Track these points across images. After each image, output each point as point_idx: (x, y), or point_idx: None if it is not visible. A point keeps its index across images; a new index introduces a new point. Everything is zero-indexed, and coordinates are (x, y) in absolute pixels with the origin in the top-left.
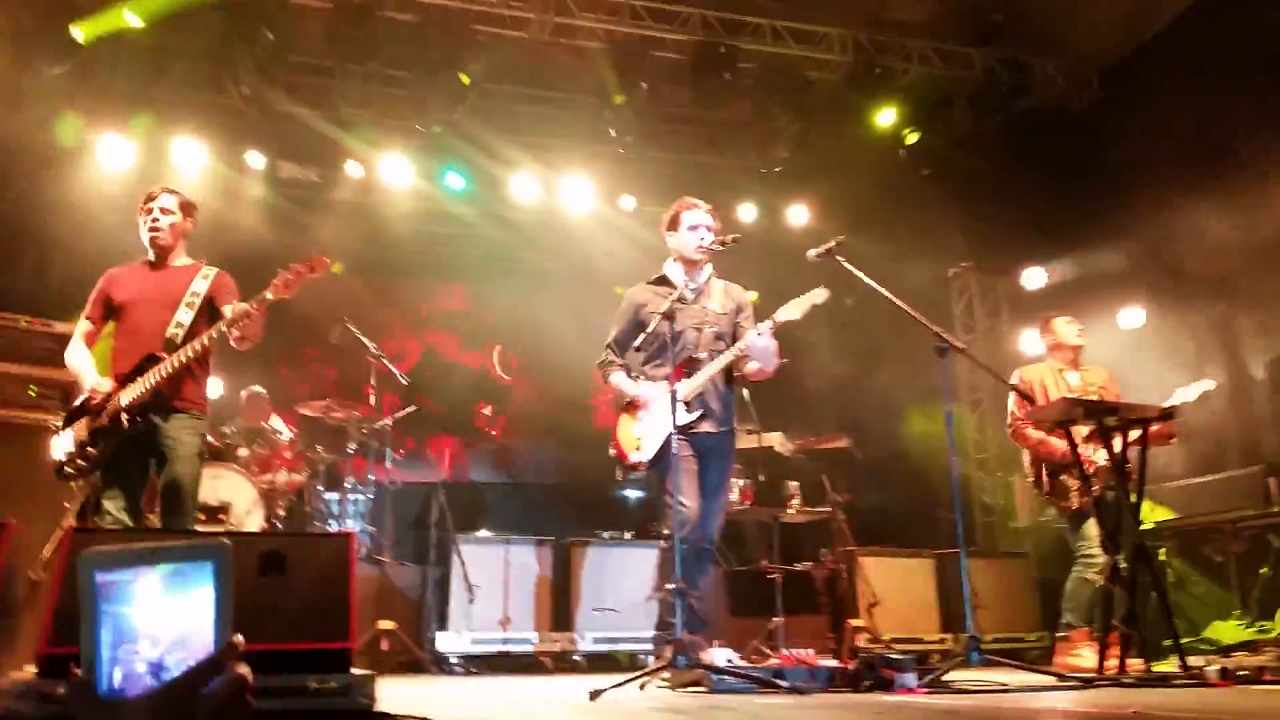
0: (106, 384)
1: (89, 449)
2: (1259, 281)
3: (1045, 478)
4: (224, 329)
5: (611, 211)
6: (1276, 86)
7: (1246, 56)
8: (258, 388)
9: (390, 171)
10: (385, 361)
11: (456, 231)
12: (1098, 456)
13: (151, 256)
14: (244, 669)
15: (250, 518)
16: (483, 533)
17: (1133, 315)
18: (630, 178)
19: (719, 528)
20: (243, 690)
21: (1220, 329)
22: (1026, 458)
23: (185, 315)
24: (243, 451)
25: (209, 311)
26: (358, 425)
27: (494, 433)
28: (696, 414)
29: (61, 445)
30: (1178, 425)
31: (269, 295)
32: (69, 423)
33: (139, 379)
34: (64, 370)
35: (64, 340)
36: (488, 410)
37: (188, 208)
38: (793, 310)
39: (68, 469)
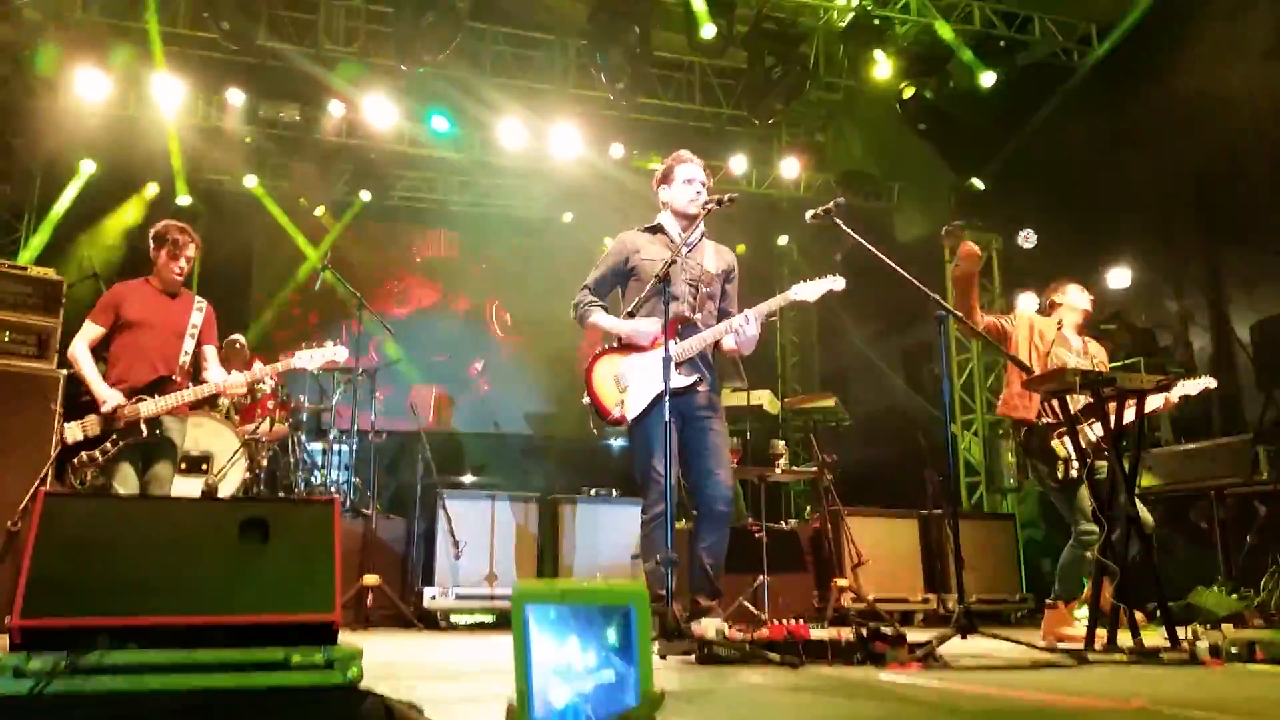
0: (117, 396)
1: (102, 445)
2: (1248, 245)
3: (1030, 435)
4: (220, 389)
5: (600, 159)
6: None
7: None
8: (238, 336)
9: (374, 112)
10: (368, 309)
11: (440, 176)
12: (1091, 432)
13: (162, 286)
14: None
15: (233, 468)
16: (468, 486)
17: (1120, 275)
18: (620, 124)
19: (732, 487)
20: None
21: (1206, 290)
22: (1007, 408)
23: (189, 345)
24: (224, 401)
25: (200, 338)
26: (341, 374)
27: (482, 385)
28: (695, 377)
29: (71, 434)
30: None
31: (295, 365)
32: (76, 417)
33: (155, 396)
34: (40, 316)
35: (39, 284)
36: (477, 362)
37: (198, 248)
38: (806, 292)
39: (83, 454)
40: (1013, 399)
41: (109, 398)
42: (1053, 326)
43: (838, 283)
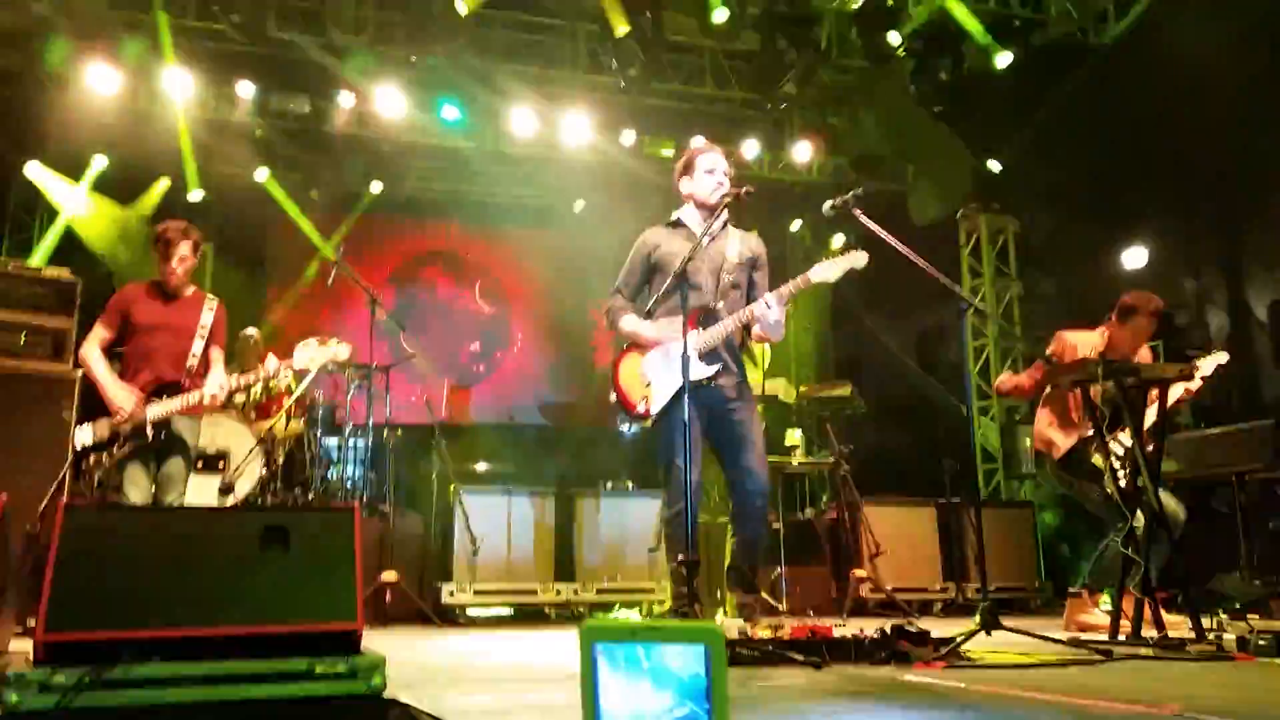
0: (129, 397)
1: (113, 447)
2: (1265, 222)
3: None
4: (227, 390)
5: (611, 146)
6: None
7: None
8: (251, 330)
9: (384, 102)
10: (382, 308)
11: (452, 165)
12: (1117, 444)
13: (170, 289)
14: None
15: (249, 466)
16: (484, 482)
17: (1136, 255)
18: (631, 110)
19: (767, 478)
20: None
21: (1224, 269)
22: (1041, 441)
23: (198, 346)
24: (240, 398)
25: (209, 339)
26: (356, 369)
27: (495, 376)
28: (716, 367)
29: (82, 437)
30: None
31: (295, 365)
32: (86, 418)
33: (163, 399)
34: (54, 317)
35: (53, 285)
36: (492, 353)
37: (198, 245)
38: (827, 271)
39: (91, 457)
40: (1044, 432)
41: (122, 400)
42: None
43: (859, 259)
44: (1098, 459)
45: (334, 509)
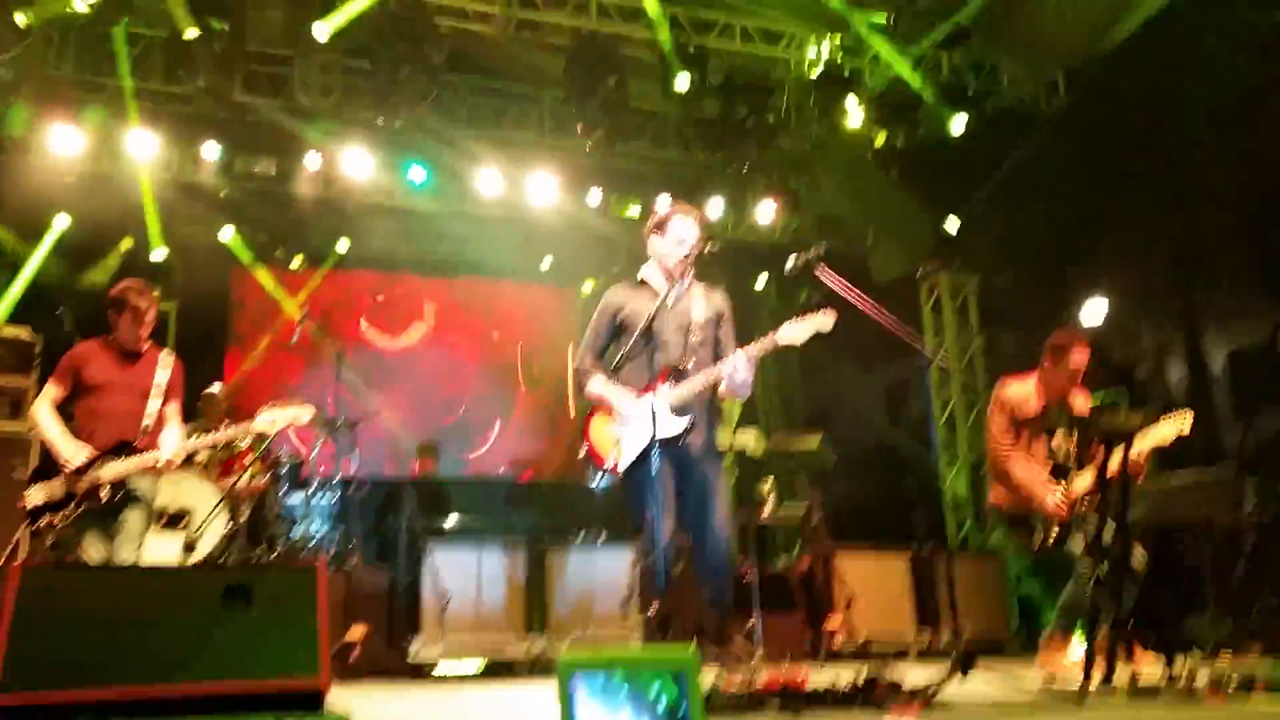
0: (81, 453)
1: (66, 508)
2: (1218, 277)
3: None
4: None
5: (577, 207)
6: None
7: (1211, 62)
8: (215, 388)
9: (351, 164)
10: (348, 363)
11: (418, 225)
12: (1076, 486)
13: (123, 346)
14: None
15: (212, 523)
16: (454, 534)
17: (1095, 309)
18: (597, 172)
19: (730, 538)
20: None
21: (1181, 323)
22: (995, 496)
23: (154, 405)
24: (202, 456)
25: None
26: (321, 425)
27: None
28: (687, 422)
29: (33, 498)
30: (1145, 463)
31: (254, 429)
32: (39, 478)
33: (118, 459)
34: (12, 376)
35: (11, 344)
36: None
37: (155, 304)
38: (794, 334)
39: (45, 517)
40: (992, 489)
41: (73, 455)
42: (1036, 399)
43: (826, 322)
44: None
45: (297, 566)
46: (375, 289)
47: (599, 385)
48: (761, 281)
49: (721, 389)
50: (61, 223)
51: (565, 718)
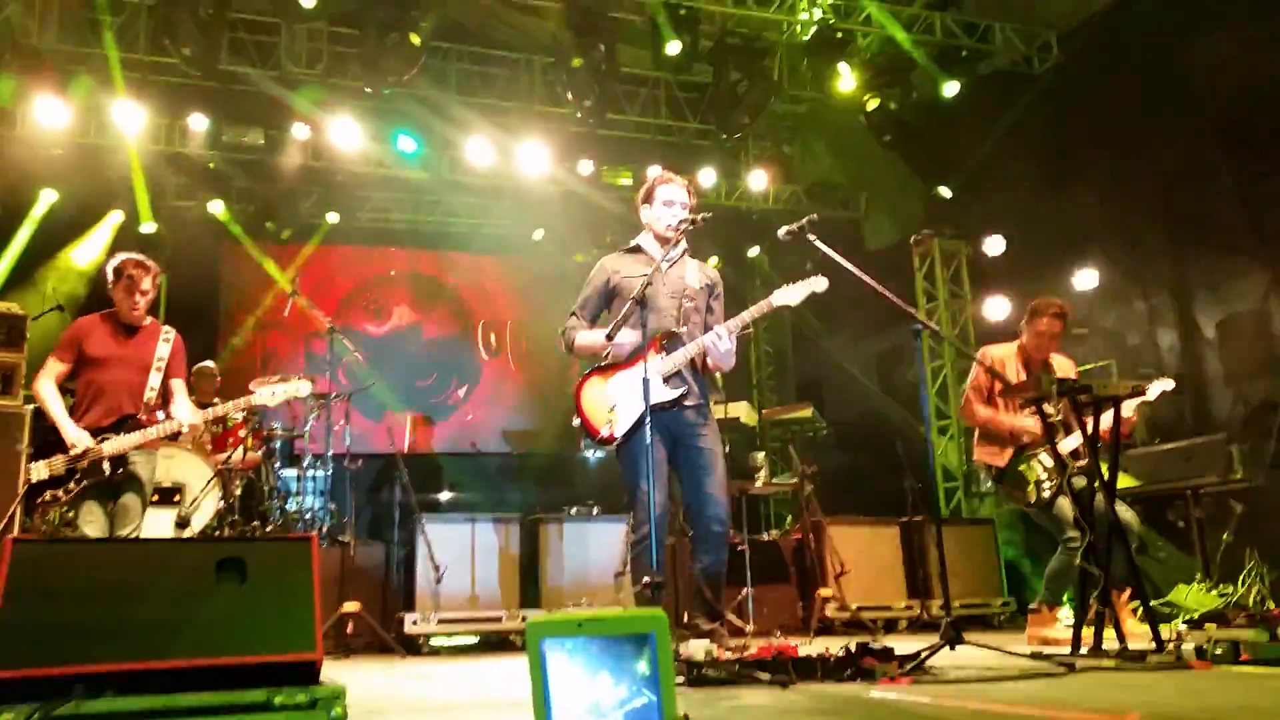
0: (86, 437)
1: (67, 485)
2: (1209, 244)
3: (995, 470)
4: (201, 423)
5: (569, 176)
6: (1231, 51)
7: (1202, 23)
8: (208, 363)
9: (339, 134)
10: (340, 336)
11: (409, 196)
12: (1064, 445)
13: (124, 319)
14: None
15: (206, 498)
16: (447, 510)
17: (1087, 277)
18: (588, 141)
19: (727, 505)
20: None
21: (1173, 290)
22: (976, 454)
23: (155, 379)
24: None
25: (167, 371)
26: (315, 399)
27: (458, 405)
28: (681, 390)
29: (37, 473)
30: (1134, 423)
31: (254, 402)
32: (42, 455)
33: (120, 434)
34: (3, 351)
35: (4, 319)
36: (452, 382)
37: (156, 278)
38: (789, 296)
39: (48, 493)
40: (977, 446)
41: (77, 440)
42: (1014, 360)
43: (820, 283)
44: (1025, 470)
45: (291, 538)
46: (365, 261)
47: (586, 335)
48: (755, 250)
49: (709, 360)
50: (49, 197)
51: (536, 683)
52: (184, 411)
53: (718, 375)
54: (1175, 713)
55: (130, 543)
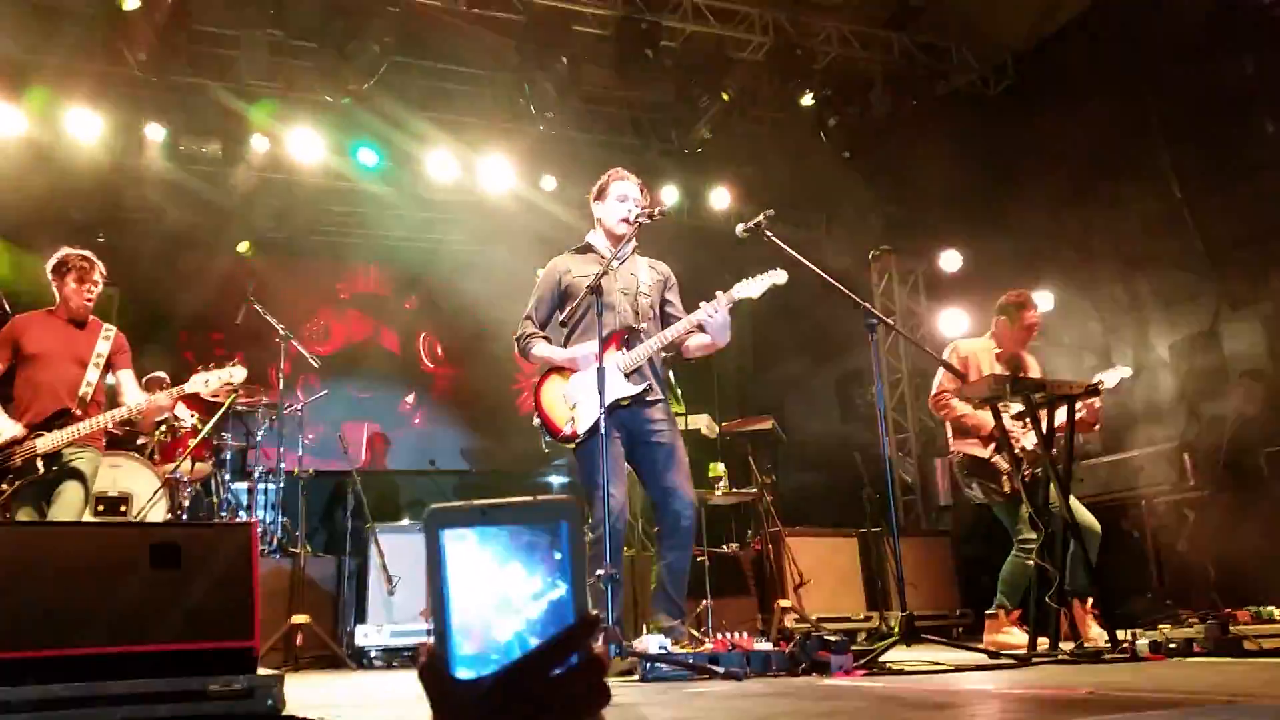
0: (15, 426)
1: (2, 483)
2: (1164, 265)
3: (973, 461)
4: (135, 413)
5: (532, 191)
6: (1184, 73)
7: (1155, 45)
8: (159, 373)
9: (299, 146)
10: (296, 344)
11: (370, 210)
12: (1026, 440)
13: (69, 315)
14: (601, 648)
15: (153, 509)
16: (401, 521)
17: (1042, 298)
18: (551, 158)
19: (694, 499)
20: (602, 673)
21: (1127, 311)
22: (955, 445)
23: (93, 375)
24: (143, 439)
25: (107, 369)
26: (266, 411)
27: (416, 421)
28: (643, 385)
29: None
30: (1101, 412)
31: (187, 389)
32: None
33: (54, 430)
34: None
35: None
36: (410, 398)
37: (103, 275)
38: (749, 288)
39: None
40: (955, 439)
41: (4, 429)
42: (988, 355)
43: (779, 276)
44: (999, 460)
45: (229, 524)
46: (324, 274)
47: (543, 348)
48: (718, 267)
49: (693, 342)
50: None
51: (432, 574)
52: (133, 398)
53: (678, 390)
54: (1125, 685)
55: (61, 526)
